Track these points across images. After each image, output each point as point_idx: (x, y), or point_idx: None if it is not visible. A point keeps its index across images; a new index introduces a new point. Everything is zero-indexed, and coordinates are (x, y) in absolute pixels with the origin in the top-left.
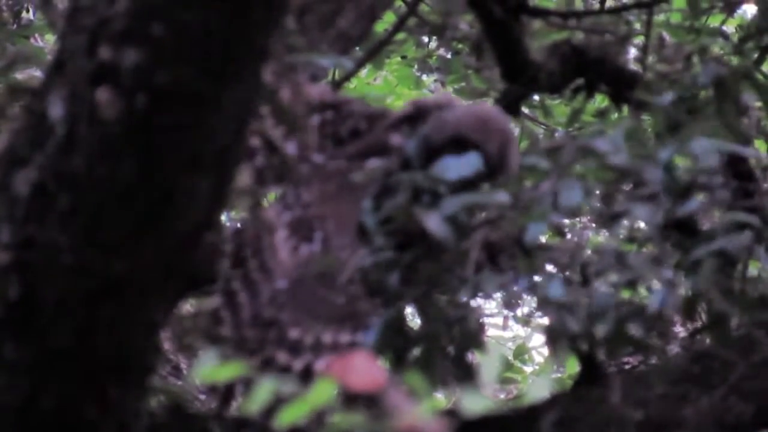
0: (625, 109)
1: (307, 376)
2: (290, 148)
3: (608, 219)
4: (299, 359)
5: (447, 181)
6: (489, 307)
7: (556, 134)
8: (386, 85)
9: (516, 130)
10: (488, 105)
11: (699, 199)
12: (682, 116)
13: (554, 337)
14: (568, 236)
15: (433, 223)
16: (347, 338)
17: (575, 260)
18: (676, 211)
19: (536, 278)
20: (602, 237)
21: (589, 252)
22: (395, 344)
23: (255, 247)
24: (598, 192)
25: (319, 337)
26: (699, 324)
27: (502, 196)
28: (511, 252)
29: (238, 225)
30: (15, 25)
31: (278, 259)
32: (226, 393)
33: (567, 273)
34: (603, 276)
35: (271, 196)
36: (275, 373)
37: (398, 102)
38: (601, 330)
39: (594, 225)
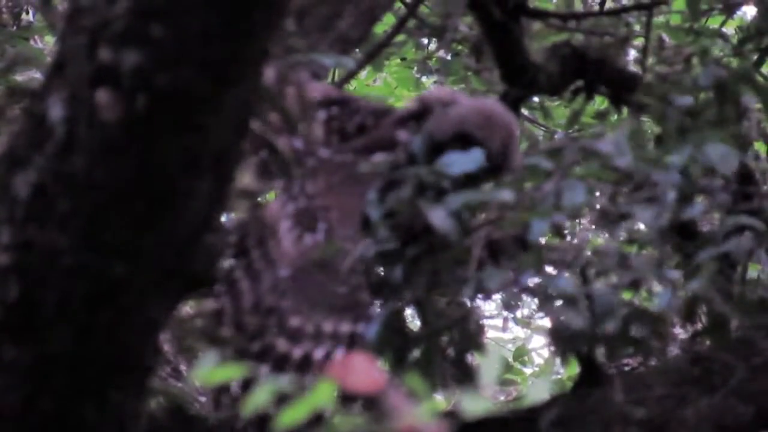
0: (625, 111)
1: (306, 364)
2: (296, 143)
3: (611, 221)
4: (299, 347)
5: (451, 177)
6: (489, 308)
7: (556, 136)
8: (386, 87)
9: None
10: (491, 101)
11: (700, 201)
12: (686, 120)
13: (557, 337)
14: (568, 237)
15: (438, 217)
16: (348, 328)
17: (577, 261)
18: (680, 214)
19: (537, 279)
20: (602, 238)
21: (589, 253)
22: (395, 345)
23: (258, 237)
24: (598, 193)
25: (319, 325)
26: (699, 326)
27: (506, 194)
28: (512, 251)
29: (243, 216)
30: (15, 27)
31: (281, 249)
32: (222, 393)
33: (568, 274)
34: (604, 277)
35: (271, 196)
36: (273, 361)
37: (398, 104)
38: (606, 330)
39: (594, 226)
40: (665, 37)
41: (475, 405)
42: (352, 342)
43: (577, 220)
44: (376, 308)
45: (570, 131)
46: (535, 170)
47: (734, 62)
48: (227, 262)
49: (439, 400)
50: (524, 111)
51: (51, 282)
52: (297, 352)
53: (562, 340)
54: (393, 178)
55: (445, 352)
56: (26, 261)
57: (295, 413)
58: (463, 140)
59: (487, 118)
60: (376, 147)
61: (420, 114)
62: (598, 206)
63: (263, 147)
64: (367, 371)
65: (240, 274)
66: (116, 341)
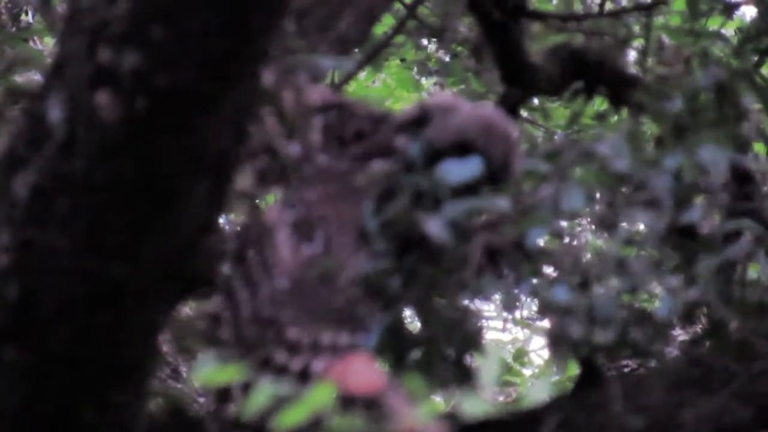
0: (624, 112)
1: (304, 376)
2: (293, 149)
3: (610, 223)
4: (297, 359)
5: (449, 185)
6: (488, 309)
7: (555, 137)
8: (385, 88)
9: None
10: (492, 108)
11: (699, 202)
12: (685, 121)
13: (556, 341)
14: (567, 240)
15: (434, 227)
16: (346, 339)
17: (576, 264)
18: (679, 217)
19: (536, 282)
20: (601, 241)
21: (588, 256)
22: (395, 347)
23: (257, 246)
24: (598, 196)
25: (317, 337)
26: (699, 328)
27: (503, 202)
28: (511, 256)
29: (241, 224)
30: (14, 28)
31: (279, 259)
32: (223, 395)
33: (567, 277)
34: (603, 280)
35: (270, 198)
36: (272, 372)
37: (397, 105)
38: (604, 336)
39: (593, 229)
40: (665, 38)
41: (474, 407)
42: (353, 353)
43: (577, 222)
44: (375, 317)
45: (569, 132)
46: (534, 173)
47: (734, 63)
48: (226, 270)
49: (439, 401)
50: (524, 112)
51: (51, 283)
52: (295, 365)
53: (561, 344)
54: (391, 186)
55: (445, 353)
56: (26, 262)
57: (295, 415)
58: (462, 149)
59: (487, 127)
60: (375, 154)
61: (419, 120)
62: (597, 208)
63: (262, 152)
64: (367, 373)
65: (238, 284)
66: (116, 342)
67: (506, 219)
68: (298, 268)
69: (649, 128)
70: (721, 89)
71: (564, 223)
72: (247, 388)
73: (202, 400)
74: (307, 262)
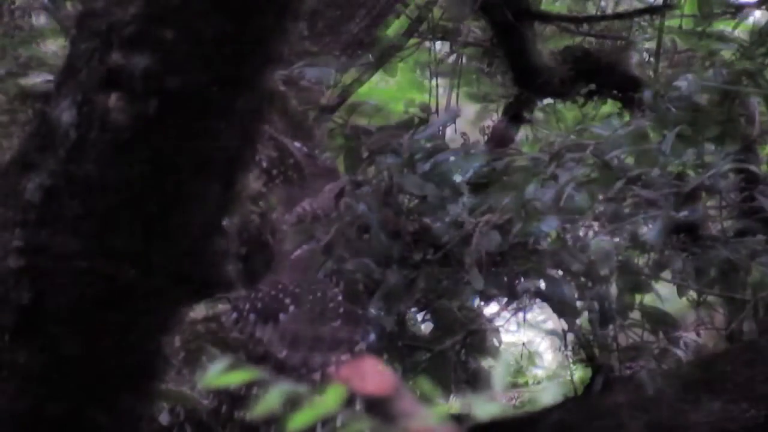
0: (633, 113)
1: (304, 372)
2: (298, 149)
3: (614, 223)
4: (296, 355)
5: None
6: (495, 311)
7: (561, 137)
8: (398, 90)
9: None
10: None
11: (705, 202)
12: (690, 121)
13: (563, 341)
14: (572, 240)
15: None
16: (346, 335)
17: (581, 264)
18: (682, 216)
19: (542, 282)
20: (606, 241)
21: (593, 256)
22: (403, 349)
23: (260, 245)
24: (601, 197)
25: (317, 334)
26: (705, 329)
27: (508, 200)
28: (516, 256)
29: (245, 224)
30: (25, 31)
31: (282, 256)
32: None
33: (572, 277)
34: (609, 280)
35: (273, 201)
36: (272, 368)
37: (399, 107)
38: (609, 335)
39: (598, 228)
40: (676, 40)
41: (484, 408)
42: (351, 349)
43: (581, 223)
44: (374, 315)
45: (576, 132)
46: (538, 173)
47: (743, 65)
48: (231, 270)
49: (446, 403)
50: (536, 113)
51: (63, 285)
52: (295, 360)
53: (569, 345)
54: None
55: (455, 355)
56: (38, 264)
57: (305, 417)
58: None
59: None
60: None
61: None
62: (602, 208)
63: (269, 152)
64: (376, 375)
65: (241, 283)
66: (126, 344)
67: (512, 218)
68: (300, 264)
69: (654, 129)
70: (727, 90)
71: (569, 225)
72: (251, 388)
73: (208, 402)
74: (308, 259)
